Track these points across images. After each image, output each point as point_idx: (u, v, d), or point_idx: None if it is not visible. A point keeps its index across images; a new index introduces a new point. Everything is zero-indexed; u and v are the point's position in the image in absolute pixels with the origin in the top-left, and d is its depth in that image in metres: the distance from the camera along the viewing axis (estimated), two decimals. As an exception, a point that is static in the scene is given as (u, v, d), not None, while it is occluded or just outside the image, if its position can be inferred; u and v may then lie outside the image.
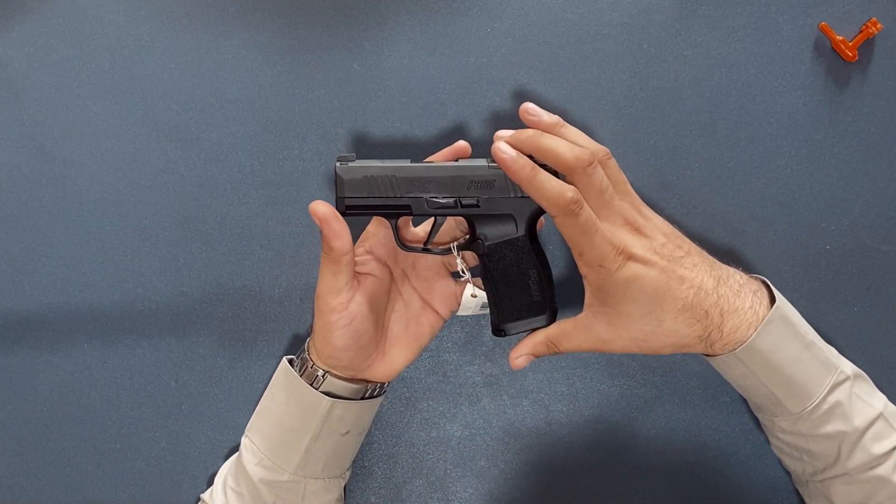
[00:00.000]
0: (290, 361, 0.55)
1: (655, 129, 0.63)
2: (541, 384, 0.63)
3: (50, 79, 0.64)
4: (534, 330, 0.52)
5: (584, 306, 0.50)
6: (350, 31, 0.64)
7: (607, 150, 0.50)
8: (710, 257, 0.51)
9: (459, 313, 0.57)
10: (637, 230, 0.48)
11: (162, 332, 0.64)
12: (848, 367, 0.51)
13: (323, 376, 0.53)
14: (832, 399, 0.49)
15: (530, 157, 0.48)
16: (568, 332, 0.51)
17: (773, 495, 0.62)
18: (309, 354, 0.54)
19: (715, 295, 0.48)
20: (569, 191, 0.46)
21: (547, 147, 0.48)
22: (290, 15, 0.64)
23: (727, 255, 0.62)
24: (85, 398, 0.64)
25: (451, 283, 0.57)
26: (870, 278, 0.62)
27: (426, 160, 0.52)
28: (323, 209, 0.49)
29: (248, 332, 0.64)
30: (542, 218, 0.53)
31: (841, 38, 0.61)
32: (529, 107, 0.50)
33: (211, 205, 0.64)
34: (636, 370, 0.63)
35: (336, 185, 0.50)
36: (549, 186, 0.46)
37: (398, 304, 0.56)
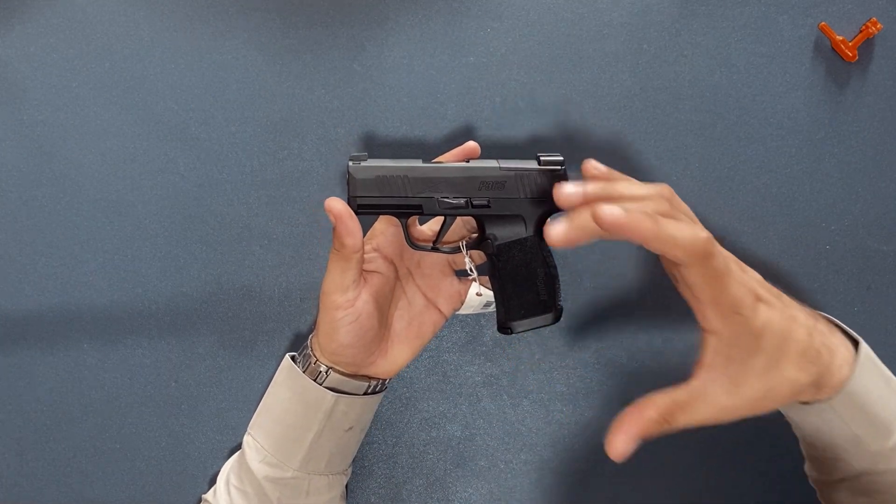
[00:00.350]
0: (293, 358, 0.56)
1: (655, 129, 0.63)
2: (541, 384, 0.63)
3: (50, 79, 0.64)
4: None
5: (700, 368, 0.43)
6: (350, 31, 0.64)
7: (668, 186, 0.45)
8: None
9: (461, 311, 0.57)
10: (741, 267, 0.43)
11: (162, 332, 0.64)
12: None
13: (326, 372, 0.53)
14: None
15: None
16: (684, 403, 0.43)
17: (774, 494, 0.62)
18: (312, 351, 0.54)
19: (818, 333, 0.44)
20: (701, 231, 0.40)
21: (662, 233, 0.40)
22: (290, 15, 0.64)
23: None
24: (85, 398, 0.64)
25: (454, 281, 0.57)
26: (870, 278, 0.62)
27: (435, 160, 0.53)
28: (338, 206, 0.49)
29: (248, 332, 0.64)
30: (549, 218, 0.53)
31: (841, 38, 0.61)
32: (594, 166, 0.46)
33: (211, 205, 0.64)
34: (636, 370, 0.63)
35: (348, 183, 0.51)
36: (680, 234, 0.39)
37: (402, 301, 0.56)
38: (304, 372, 0.53)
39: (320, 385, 0.53)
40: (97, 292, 0.64)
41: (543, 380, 0.63)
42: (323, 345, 0.53)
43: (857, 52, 0.61)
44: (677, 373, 0.63)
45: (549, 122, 0.63)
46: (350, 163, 0.50)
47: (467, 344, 0.64)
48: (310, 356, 0.54)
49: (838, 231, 0.63)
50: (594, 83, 0.63)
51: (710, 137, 0.63)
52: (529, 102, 0.63)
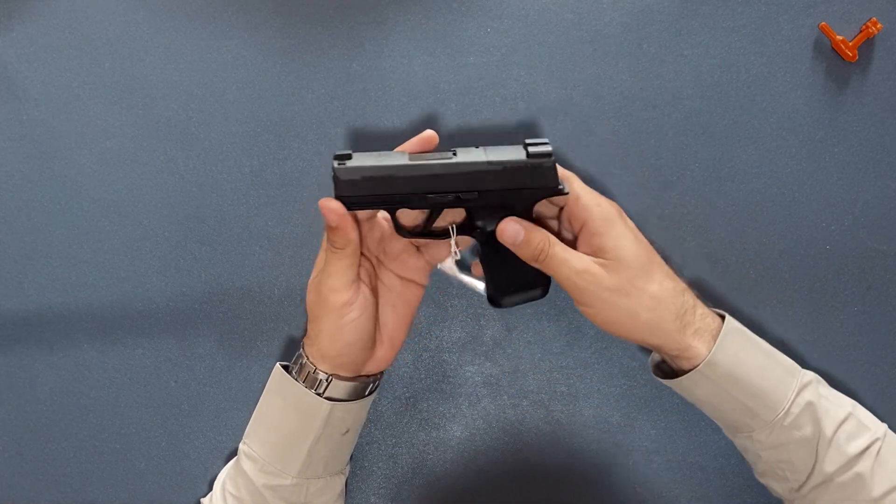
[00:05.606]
0: (286, 367, 0.55)
1: (655, 129, 0.63)
2: (541, 384, 0.63)
3: (50, 79, 0.64)
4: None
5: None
6: (350, 31, 0.64)
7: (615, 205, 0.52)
8: None
9: (439, 267, 0.56)
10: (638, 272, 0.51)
11: (162, 332, 0.64)
12: (809, 372, 0.52)
13: (327, 380, 0.52)
14: (802, 400, 0.50)
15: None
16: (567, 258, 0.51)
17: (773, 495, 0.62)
18: (309, 359, 0.53)
19: (683, 288, 0.51)
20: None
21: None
22: (290, 15, 0.64)
23: (727, 255, 0.62)
24: (85, 398, 0.64)
25: (421, 257, 0.56)
26: (870, 278, 0.62)
27: (397, 149, 0.52)
28: (335, 204, 0.49)
29: (248, 332, 0.64)
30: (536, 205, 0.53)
31: (841, 38, 0.61)
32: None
33: (211, 205, 0.64)
34: (636, 370, 0.63)
35: (334, 184, 0.50)
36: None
37: (381, 289, 0.56)
38: (302, 381, 0.53)
39: (321, 394, 0.52)
40: (97, 292, 0.64)
41: (543, 380, 0.63)
42: (325, 349, 0.52)
43: (857, 52, 0.61)
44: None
45: (549, 121, 0.63)
46: (335, 163, 0.49)
47: (467, 344, 0.64)
48: (307, 365, 0.53)
49: (838, 231, 0.63)
50: (594, 83, 0.63)
51: (710, 137, 0.63)
52: (529, 102, 0.63)
